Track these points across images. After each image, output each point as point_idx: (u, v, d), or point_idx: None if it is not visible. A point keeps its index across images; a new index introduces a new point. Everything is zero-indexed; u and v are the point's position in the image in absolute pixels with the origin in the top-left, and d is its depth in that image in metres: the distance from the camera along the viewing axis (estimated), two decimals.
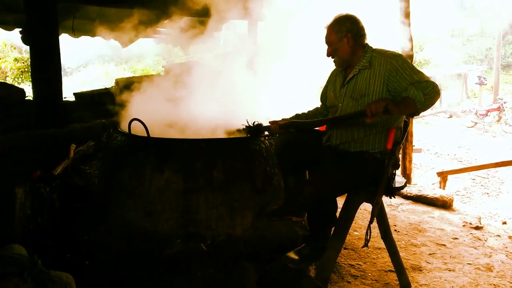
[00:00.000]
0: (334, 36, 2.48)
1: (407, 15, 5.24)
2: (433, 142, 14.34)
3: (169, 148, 2.86)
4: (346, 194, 2.60)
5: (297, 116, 2.83)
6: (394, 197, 2.51)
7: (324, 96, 2.81)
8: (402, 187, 2.58)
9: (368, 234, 2.41)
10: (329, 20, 2.53)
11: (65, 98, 4.08)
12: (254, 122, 2.87)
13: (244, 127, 2.91)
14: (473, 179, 10.83)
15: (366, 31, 2.50)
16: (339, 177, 2.44)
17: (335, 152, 2.54)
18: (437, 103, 19.92)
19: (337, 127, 2.53)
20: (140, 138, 2.95)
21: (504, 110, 16.19)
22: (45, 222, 2.83)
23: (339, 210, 2.71)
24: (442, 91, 20.19)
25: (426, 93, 2.20)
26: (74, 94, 4.21)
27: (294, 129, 2.67)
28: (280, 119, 2.79)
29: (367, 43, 2.50)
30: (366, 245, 2.41)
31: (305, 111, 2.92)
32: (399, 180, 2.61)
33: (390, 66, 2.34)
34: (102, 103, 4.04)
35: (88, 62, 14.73)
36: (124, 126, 3.23)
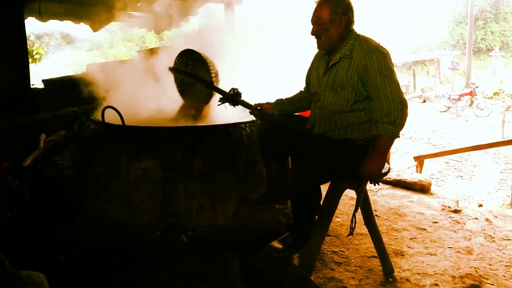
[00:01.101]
0: (327, 16, 2.33)
1: None
2: (407, 127, 14.52)
3: (146, 137, 2.74)
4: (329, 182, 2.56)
5: (280, 102, 2.73)
6: (379, 184, 2.48)
7: (308, 79, 2.72)
8: (386, 173, 2.54)
9: (353, 222, 2.37)
10: None
11: (33, 85, 3.87)
12: (233, 89, 2.58)
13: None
14: (447, 163, 11.07)
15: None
16: (323, 165, 2.38)
17: (318, 139, 2.48)
18: (411, 88, 20.20)
19: (321, 117, 2.46)
20: (115, 127, 2.82)
21: (476, 95, 16.57)
22: (14, 216, 2.68)
23: (323, 197, 2.67)
24: (416, 76, 20.50)
25: (393, 122, 2.22)
26: (43, 81, 4.00)
27: (278, 125, 2.56)
28: (265, 102, 2.68)
29: (353, 29, 2.41)
30: (351, 233, 2.37)
31: (289, 96, 2.82)
32: None
33: (364, 63, 2.27)
34: (73, 90, 3.84)
35: (58, 48, 14.19)
36: (97, 114, 3.08)
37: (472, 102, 16.52)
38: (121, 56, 17.04)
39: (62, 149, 3.32)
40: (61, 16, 5.04)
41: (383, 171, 2.51)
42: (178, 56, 3.40)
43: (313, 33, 2.43)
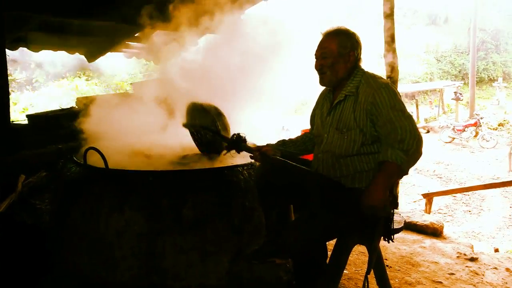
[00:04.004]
0: (336, 49, 2.12)
1: (392, 36, 5.05)
2: None
3: (131, 182, 2.45)
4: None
5: (283, 143, 2.49)
6: (393, 241, 2.17)
7: (312, 120, 2.47)
8: (401, 229, 2.24)
9: (366, 285, 2.05)
10: (331, 27, 2.17)
11: (13, 121, 3.61)
12: (235, 135, 2.44)
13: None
14: (454, 197, 10.69)
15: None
16: (329, 219, 2.09)
17: (323, 188, 2.19)
18: (414, 118, 20.03)
19: (324, 161, 2.19)
20: (97, 170, 2.54)
21: (480, 126, 16.34)
22: None
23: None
24: (419, 106, 20.35)
25: (405, 150, 1.92)
26: (27, 116, 3.75)
27: (278, 166, 2.31)
28: (265, 144, 2.43)
29: (359, 65, 2.18)
30: None
31: (293, 137, 2.57)
32: (397, 219, 2.27)
33: (372, 100, 2.03)
34: (59, 126, 3.59)
35: (58, 75, 14.05)
36: (80, 155, 2.80)
37: (477, 133, 16.26)
38: (123, 85, 16.89)
39: (42, 192, 3.03)
40: (54, 46, 4.85)
41: (397, 226, 2.21)
42: (186, 111, 3.23)
43: (317, 67, 2.20)
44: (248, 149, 2.41)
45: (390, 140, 1.96)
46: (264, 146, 2.41)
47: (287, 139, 2.53)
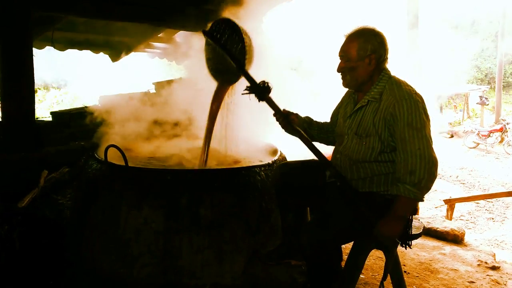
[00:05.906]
0: (355, 53, 2.06)
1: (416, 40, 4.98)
2: None
3: (150, 180, 2.49)
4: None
5: (310, 121, 2.43)
6: (410, 247, 2.14)
7: (334, 117, 2.43)
8: (420, 235, 2.21)
9: None
10: (352, 29, 2.12)
11: (38, 118, 3.70)
12: (261, 82, 2.19)
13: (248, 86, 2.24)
14: (477, 203, 10.44)
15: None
16: (345, 222, 2.07)
17: (340, 191, 2.17)
18: (438, 122, 19.65)
19: (342, 162, 2.17)
20: (117, 167, 2.58)
21: (507, 131, 15.89)
22: (2, 266, 2.44)
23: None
24: (443, 110, 19.93)
25: (416, 183, 1.90)
26: (51, 113, 3.85)
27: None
28: (294, 113, 2.35)
29: (385, 67, 2.14)
30: None
31: (320, 121, 2.51)
32: (415, 224, 2.24)
33: (392, 110, 1.99)
34: (82, 124, 3.67)
35: (84, 74, 14.35)
36: (102, 152, 2.86)
37: (502, 139, 15.83)
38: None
39: (64, 187, 3.10)
40: (79, 46, 4.97)
41: (416, 232, 2.18)
42: (215, 22, 2.78)
43: (339, 69, 2.16)
44: (273, 105, 2.20)
45: (400, 172, 1.94)
46: (292, 113, 2.33)
47: (314, 120, 2.47)
